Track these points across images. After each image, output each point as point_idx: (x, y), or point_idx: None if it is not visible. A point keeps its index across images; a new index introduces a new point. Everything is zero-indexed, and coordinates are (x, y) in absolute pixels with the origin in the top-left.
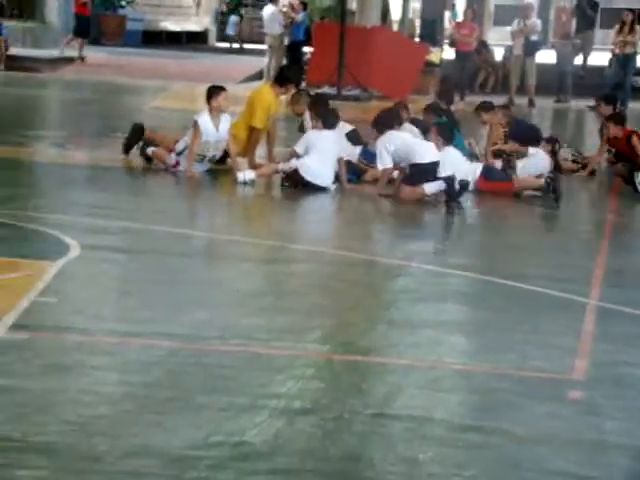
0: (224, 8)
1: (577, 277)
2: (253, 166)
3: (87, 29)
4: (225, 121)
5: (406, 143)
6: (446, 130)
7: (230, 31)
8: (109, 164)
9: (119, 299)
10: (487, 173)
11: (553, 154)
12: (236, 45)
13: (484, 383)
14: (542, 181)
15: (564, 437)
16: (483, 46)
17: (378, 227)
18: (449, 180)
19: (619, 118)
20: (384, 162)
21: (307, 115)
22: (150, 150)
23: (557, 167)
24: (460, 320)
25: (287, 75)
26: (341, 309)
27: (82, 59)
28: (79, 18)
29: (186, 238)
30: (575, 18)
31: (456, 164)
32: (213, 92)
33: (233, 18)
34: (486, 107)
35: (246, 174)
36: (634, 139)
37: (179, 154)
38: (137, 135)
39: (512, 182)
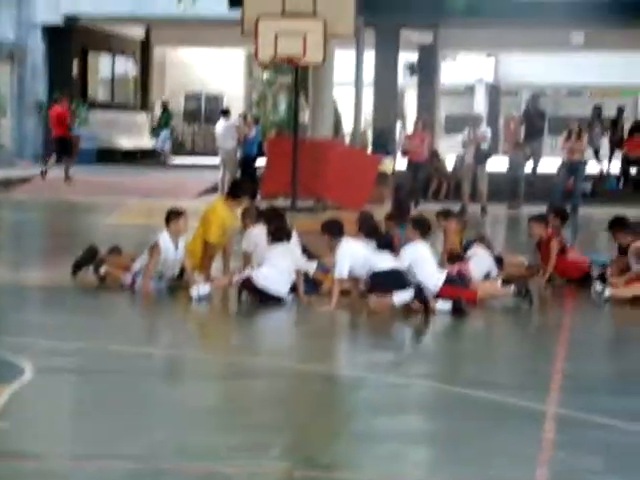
0: (155, 124)
1: (536, 384)
2: (209, 280)
3: (69, 149)
4: (182, 240)
5: (363, 253)
6: (423, 224)
7: (160, 146)
8: (63, 284)
9: (74, 421)
10: (450, 280)
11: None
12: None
13: None
14: (509, 288)
15: None
16: (434, 155)
17: (336, 339)
18: (418, 287)
19: (541, 217)
20: (341, 271)
21: (256, 229)
22: (103, 269)
23: (500, 262)
24: (420, 431)
25: (239, 188)
26: (300, 424)
27: (69, 179)
28: (62, 140)
29: (142, 356)
30: (524, 126)
31: (425, 260)
32: (172, 216)
33: (164, 133)
34: (444, 213)
35: (200, 288)
36: (553, 243)
37: (136, 274)
38: (89, 256)
39: (474, 289)
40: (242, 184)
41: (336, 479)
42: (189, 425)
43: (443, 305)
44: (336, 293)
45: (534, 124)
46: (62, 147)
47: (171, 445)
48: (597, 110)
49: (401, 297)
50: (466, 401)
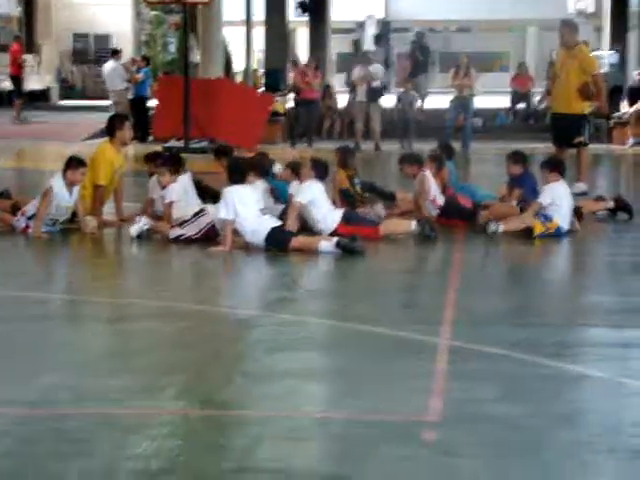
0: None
1: (428, 317)
2: (102, 224)
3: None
4: (77, 187)
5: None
6: (322, 165)
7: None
8: None
9: None
10: (348, 217)
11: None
12: None
13: (342, 430)
14: (411, 224)
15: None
16: (327, 93)
17: (232, 280)
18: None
19: (411, 157)
20: (228, 214)
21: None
22: None
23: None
24: (315, 368)
25: (111, 125)
26: (195, 364)
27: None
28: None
29: (34, 301)
30: (410, 63)
31: (321, 200)
32: (72, 165)
33: None
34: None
35: (141, 223)
36: (420, 177)
37: (29, 218)
38: None
39: (377, 227)
40: (114, 120)
41: (232, 417)
42: (82, 368)
43: (326, 246)
44: (229, 234)
45: (419, 61)
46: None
47: (64, 389)
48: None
49: (327, 247)
50: (359, 336)
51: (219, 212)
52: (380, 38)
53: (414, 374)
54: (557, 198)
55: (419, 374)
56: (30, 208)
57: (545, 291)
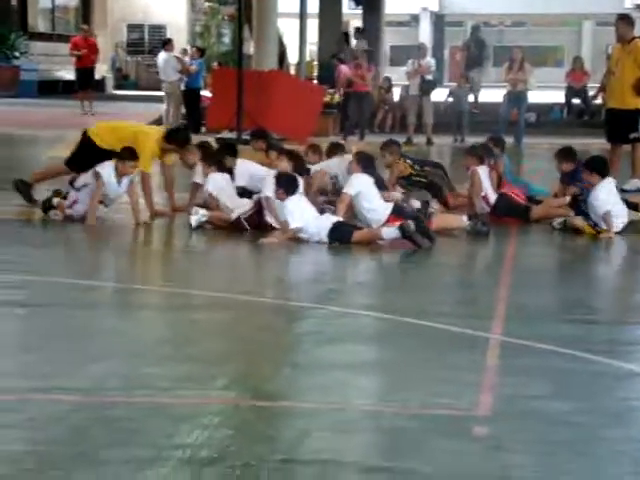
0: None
1: (480, 312)
2: (154, 214)
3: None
4: (127, 178)
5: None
6: (368, 159)
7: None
8: (4, 217)
9: (19, 355)
10: (399, 210)
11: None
12: None
13: (392, 423)
14: (463, 219)
15: (471, 474)
16: (382, 86)
17: (283, 270)
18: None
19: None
20: (295, 223)
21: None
22: (56, 201)
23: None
24: (365, 360)
25: (175, 137)
26: (246, 354)
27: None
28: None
29: (86, 289)
30: (465, 57)
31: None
32: (125, 156)
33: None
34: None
35: (200, 214)
36: (471, 172)
37: (78, 190)
38: (26, 188)
39: (428, 222)
40: (179, 133)
41: (282, 408)
42: (133, 357)
43: (390, 232)
44: (287, 235)
45: (474, 55)
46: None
47: (115, 377)
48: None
49: (390, 233)
50: (409, 330)
51: (290, 223)
52: (433, 31)
53: (465, 368)
54: (604, 203)
55: (470, 369)
56: (81, 179)
57: (598, 288)
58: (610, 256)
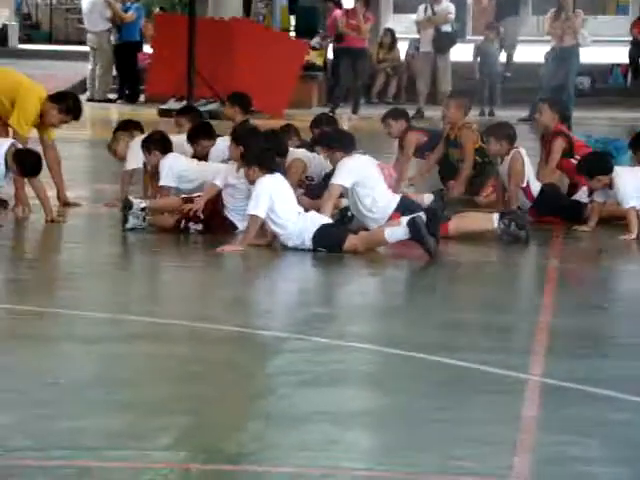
0: None
1: (513, 345)
2: None
3: None
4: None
5: None
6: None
7: None
8: None
9: None
10: (405, 206)
11: None
12: None
13: None
14: (492, 219)
15: None
16: (383, 41)
17: (251, 289)
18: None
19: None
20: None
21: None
22: None
23: None
24: (360, 410)
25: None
26: (200, 402)
27: None
28: None
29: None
30: (495, 2)
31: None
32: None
33: None
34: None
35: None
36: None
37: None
38: None
39: (446, 223)
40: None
41: (248, 474)
42: (47, 406)
43: (395, 233)
44: (252, 232)
45: None
46: None
47: (24, 433)
48: None
49: (396, 234)
50: (419, 369)
51: (248, 207)
52: None
53: (494, 421)
54: None
55: (500, 421)
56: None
57: None
58: None
